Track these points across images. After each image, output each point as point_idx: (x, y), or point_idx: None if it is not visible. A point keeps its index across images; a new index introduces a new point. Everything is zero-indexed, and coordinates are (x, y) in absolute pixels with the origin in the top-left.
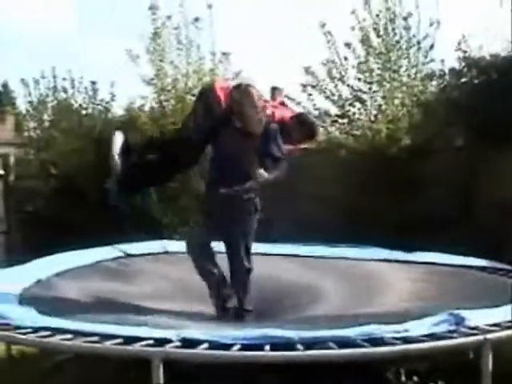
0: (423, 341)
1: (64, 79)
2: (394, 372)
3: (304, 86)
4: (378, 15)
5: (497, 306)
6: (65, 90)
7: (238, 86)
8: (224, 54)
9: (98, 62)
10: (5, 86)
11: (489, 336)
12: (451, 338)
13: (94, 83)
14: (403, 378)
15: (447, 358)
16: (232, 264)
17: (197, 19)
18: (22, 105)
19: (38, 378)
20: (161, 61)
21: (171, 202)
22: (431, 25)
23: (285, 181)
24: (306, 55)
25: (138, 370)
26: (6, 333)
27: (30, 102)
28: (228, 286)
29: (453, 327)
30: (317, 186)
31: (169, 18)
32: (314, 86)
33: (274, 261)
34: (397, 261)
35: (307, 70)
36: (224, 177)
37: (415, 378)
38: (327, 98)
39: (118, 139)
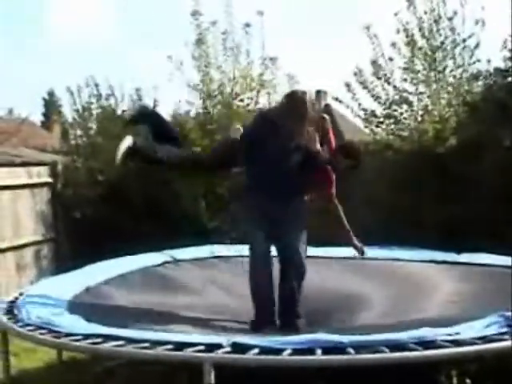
0: (475, 343)
1: (109, 87)
2: (445, 374)
3: (348, 86)
4: (421, 18)
5: None
6: (108, 97)
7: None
8: (271, 58)
9: (144, 68)
10: (51, 94)
11: None
12: (503, 340)
13: (138, 90)
14: (455, 381)
15: (498, 360)
16: (287, 268)
17: (248, 25)
18: (68, 113)
19: (88, 383)
20: (206, 66)
21: (219, 207)
22: (476, 24)
23: None
24: (351, 56)
25: (186, 377)
26: (59, 340)
27: (76, 110)
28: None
29: (504, 329)
30: (363, 187)
31: (214, 23)
32: (361, 84)
33: (321, 263)
34: (445, 262)
35: (354, 71)
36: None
37: (467, 381)
38: (373, 97)
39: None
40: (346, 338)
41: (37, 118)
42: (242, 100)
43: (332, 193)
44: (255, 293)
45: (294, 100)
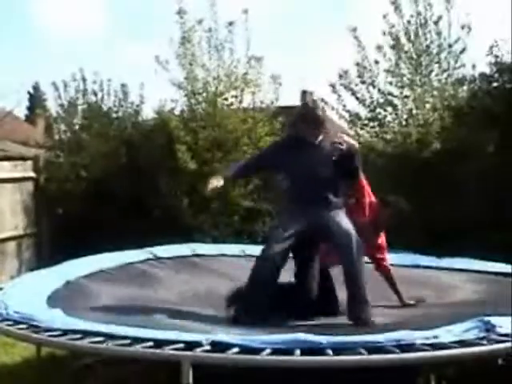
0: (453, 347)
1: (94, 82)
2: (424, 378)
3: (333, 87)
4: (409, 21)
5: None
6: (95, 93)
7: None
8: (257, 58)
9: (128, 65)
10: (36, 88)
11: None
12: (481, 344)
13: (123, 86)
14: None
15: (477, 365)
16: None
17: (231, 23)
18: (52, 108)
19: (67, 379)
20: (191, 64)
21: (202, 206)
22: (462, 29)
23: None
24: (336, 58)
25: (166, 374)
26: (37, 335)
27: (61, 105)
28: None
29: (483, 334)
30: None
31: (200, 22)
32: (346, 87)
33: None
34: (427, 267)
35: (339, 73)
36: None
37: None
38: (358, 100)
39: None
40: (324, 339)
41: (21, 111)
42: (226, 98)
43: (383, 258)
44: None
45: (305, 107)
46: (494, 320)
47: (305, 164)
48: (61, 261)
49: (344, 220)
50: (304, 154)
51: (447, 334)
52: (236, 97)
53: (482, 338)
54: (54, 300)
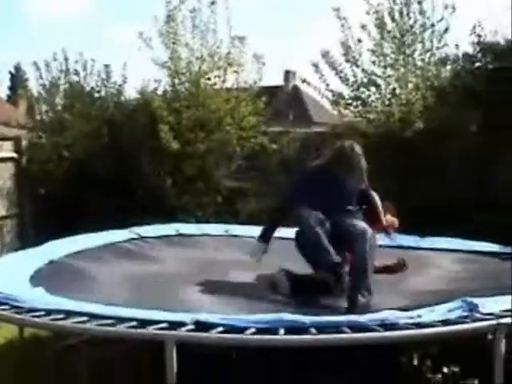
0: (436, 326)
1: (76, 62)
2: (407, 357)
3: (316, 66)
4: (394, 0)
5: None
6: (77, 73)
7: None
8: (240, 38)
9: (111, 44)
10: (17, 68)
11: (502, 321)
12: (464, 322)
13: (107, 66)
14: (416, 362)
15: (460, 343)
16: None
17: (213, 2)
18: (34, 88)
19: (50, 360)
20: (174, 43)
21: (185, 186)
22: (446, 8)
23: (299, 164)
24: (320, 37)
25: (151, 353)
26: (19, 316)
27: (43, 85)
28: None
29: (466, 313)
30: None
31: (182, 1)
32: (329, 66)
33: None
34: (410, 247)
35: (323, 52)
36: None
37: (428, 363)
38: (341, 79)
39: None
40: (308, 319)
41: (2, 92)
42: (209, 78)
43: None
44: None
45: (342, 151)
46: (477, 300)
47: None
48: (44, 242)
49: (361, 222)
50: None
51: (430, 313)
52: (219, 77)
53: (465, 317)
54: (37, 279)
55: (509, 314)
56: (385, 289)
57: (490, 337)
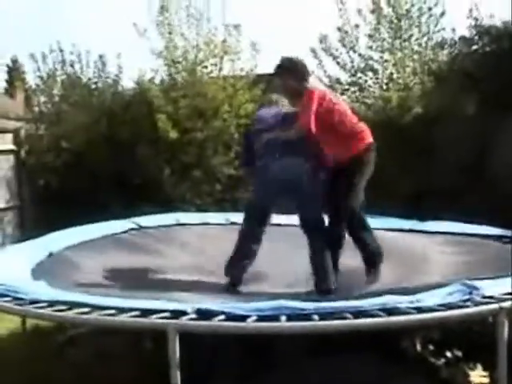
0: (438, 310)
1: (72, 53)
2: (409, 342)
3: (314, 52)
4: None
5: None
6: (73, 64)
7: None
8: (235, 25)
9: (107, 35)
10: (14, 61)
11: (504, 304)
12: (465, 307)
13: (101, 57)
14: (418, 347)
15: (462, 327)
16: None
17: None
18: (31, 80)
19: (52, 351)
20: (170, 33)
21: (184, 175)
22: None
23: None
24: (317, 23)
25: (151, 345)
26: (22, 307)
27: (40, 77)
28: None
29: (466, 297)
30: None
31: None
32: (326, 51)
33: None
34: (410, 230)
35: (320, 38)
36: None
37: (430, 347)
38: (338, 64)
39: None
40: (310, 305)
41: (0, 85)
42: (205, 67)
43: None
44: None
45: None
46: (477, 283)
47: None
48: (44, 233)
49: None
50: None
51: (431, 297)
52: (215, 65)
53: (466, 301)
54: (38, 272)
55: (510, 297)
56: (385, 272)
57: (490, 320)
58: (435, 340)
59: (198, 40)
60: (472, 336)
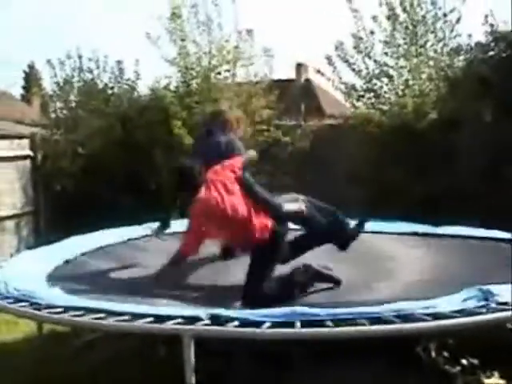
0: (454, 317)
1: (89, 59)
2: (423, 348)
3: (329, 59)
4: None
5: None
6: (90, 70)
7: None
8: (248, 31)
9: (122, 41)
10: (31, 67)
11: None
12: (480, 313)
13: (119, 62)
14: (433, 354)
15: (478, 334)
16: None
17: None
18: (48, 86)
19: (68, 355)
20: (182, 40)
21: None
22: None
23: (313, 156)
24: (332, 29)
25: (166, 350)
26: (39, 312)
27: (57, 83)
28: None
29: (482, 303)
30: (343, 160)
31: None
32: (342, 58)
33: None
34: (425, 234)
35: (335, 45)
36: None
37: (445, 354)
38: (354, 71)
39: None
40: (324, 311)
41: (17, 91)
42: (219, 73)
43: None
44: None
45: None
46: (492, 288)
47: None
48: (59, 238)
49: None
50: None
51: (446, 303)
52: (229, 71)
53: (482, 307)
54: (54, 278)
55: None
56: (399, 276)
57: (509, 326)
58: (450, 346)
59: (211, 46)
60: (488, 342)
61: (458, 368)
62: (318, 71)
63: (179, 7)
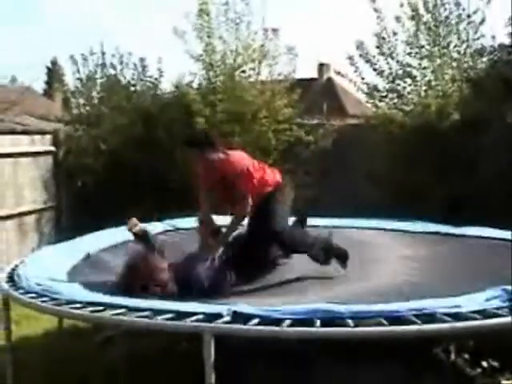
0: (475, 318)
1: (113, 55)
2: (443, 349)
3: (351, 59)
4: None
5: None
6: (113, 67)
7: None
8: (274, 30)
9: (146, 38)
10: (54, 63)
11: None
12: (502, 315)
13: (142, 60)
14: (453, 356)
15: (500, 335)
16: None
17: None
18: (70, 82)
19: (89, 351)
20: (209, 37)
21: None
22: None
23: (334, 156)
24: (355, 29)
25: (186, 346)
26: (59, 307)
27: (79, 79)
28: None
29: (505, 303)
30: (365, 160)
31: None
32: (363, 58)
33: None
34: (446, 234)
35: (357, 45)
36: None
37: (466, 356)
38: (376, 72)
39: None
40: (345, 309)
41: (39, 86)
42: (244, 71)
43: None
44: None
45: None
46: None
47: None
48: (80, 234)
49: None
50: None
51: (469, 303)
52: (253, 69)
53: (503, 308)
54: (75, 273)
55: None
56: (421, 275)
57: None
58: (470, 348)
59: (237, 44)
60: (509, 344)
61: (479, 370)
62: (338, 73)
63: (207, 3)
